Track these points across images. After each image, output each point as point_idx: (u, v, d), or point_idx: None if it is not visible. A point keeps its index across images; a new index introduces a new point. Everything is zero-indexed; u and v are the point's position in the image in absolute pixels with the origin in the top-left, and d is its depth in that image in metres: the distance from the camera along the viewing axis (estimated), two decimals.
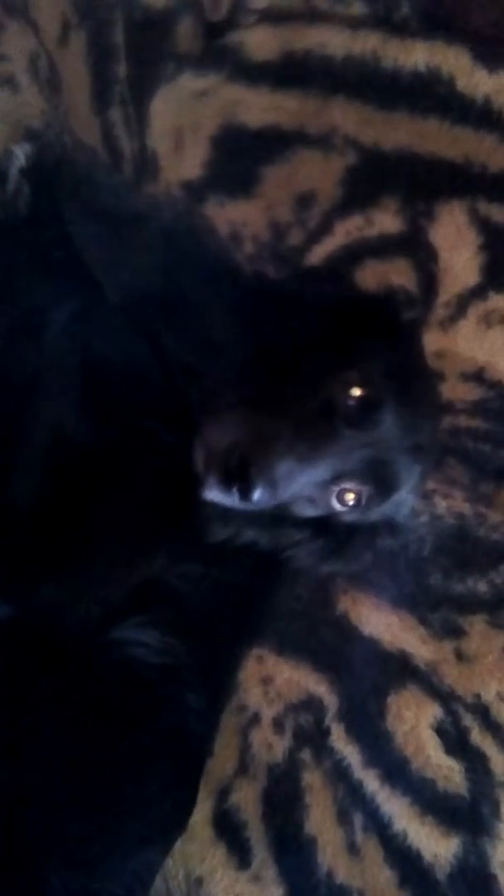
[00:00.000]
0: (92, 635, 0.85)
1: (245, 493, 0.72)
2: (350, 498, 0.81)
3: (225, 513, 0.84)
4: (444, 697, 0.97)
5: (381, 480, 0.81)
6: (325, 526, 0.88)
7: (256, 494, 0.72)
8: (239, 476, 0.72)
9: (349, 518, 0.85)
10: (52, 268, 0.96)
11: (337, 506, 0.81)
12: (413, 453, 0.82)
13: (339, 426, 0.77)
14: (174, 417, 0.83)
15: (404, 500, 0.88)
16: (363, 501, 0.82)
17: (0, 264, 0.96)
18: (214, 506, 0.83)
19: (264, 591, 0.96)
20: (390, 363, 0.83)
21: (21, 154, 0.96)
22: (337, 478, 0.79)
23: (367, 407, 0.78)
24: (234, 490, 0.73)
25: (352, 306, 0.91)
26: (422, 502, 0.97)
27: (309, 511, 0.84)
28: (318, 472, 0.77)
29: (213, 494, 0.76)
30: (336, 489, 0.80)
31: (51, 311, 0.93)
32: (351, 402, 0.78)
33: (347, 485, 0.80)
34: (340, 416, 0.77)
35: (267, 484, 0.72)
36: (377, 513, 0.86)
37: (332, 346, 0.83)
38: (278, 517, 0.87)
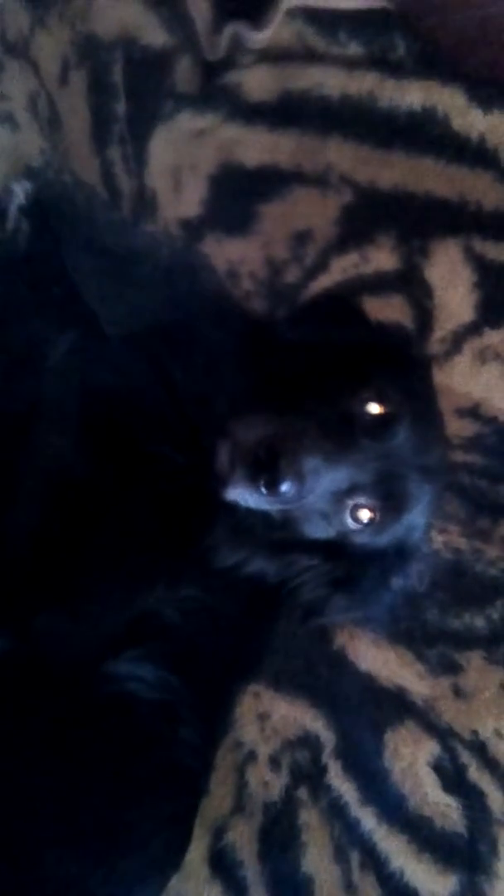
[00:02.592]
0: (88, 668, 0.85)
1: (273, 485, 0.73)
2: (364, 515, 0.81)
3: (234, 537, 0.85)
4: (442, 734, 0.97)
5: (393, 496, 0.82)
6: (335, 553, 0.88)
7: (284, 486, 0.73)
8: (267, 468, 0.73)
9: (361, 540, 0.85)
10: (50, 303, 0.97)
11: (350, 523, 0.82)
12: (424, 472, 0.83)
13: (358, 435, 0.79)
14: (182, 441, 0.84)
15: (416, 524, 0.88)
16: (377, 519, 0.82)
17: (0, 299, 0.97)
18: (223, 530, 0.84)
19: (261, 626, 0.96)
20: (404, 386, 0.85)
21: (21, 192, 0.97)
22: (352, 489, 0.80)
23: (384, 421, 0.80)
24: (262, 483, 0.73)
25: (361, 337, 0.92)
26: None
27: (321, 529, 0.84)
28: (339, 476, 0.78)
29: (238, 492, 0.77)
30: (351, 503, 0.81)
31: (49, 345, 0.93)
32: (369, 416, 0.80)
33: (361, 499, 0.81)
34: (359, 426, 0.79)
35: (295, 477, 0.73)
36: (389, 536, 0.86)
37: (346, 369, 0.85)
38: (287, 544, 0.87)
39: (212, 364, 0.89)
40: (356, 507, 0.81)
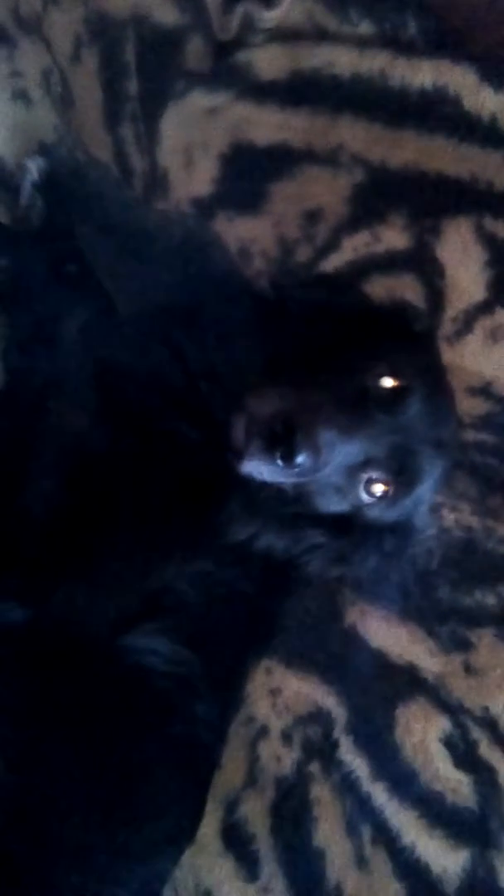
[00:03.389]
0: (104, 641, 0.85)
1: (289, 457, 0.73)
2: (378, 489, 0.82)
3: (248, 512, 0.85)
4: (453, 710, 0.97)
5: (405, 469, 0.82)
6: (344, 528, 0.88)
7: (300, 458, 0.73)
8: (284, 440, 0.74)
9: (373, 514, 0.85)
10: (64, 280, 0.97)
11: (364, 496, 0.82)
12: (436, 446, 0.84)
13: (373, 409, 0.80)
14: (197, 417, 0.85)
15: (423, 499, 0.89)
16: (390, 493, 0.83)
17: (14, 276, 0.98)
18: (237, 505, 0.84)
19: (274, 602, 0.96)
20: (415, 361, 0.86)
21: (34, 168, 0.97)
22: (367, 463, 0.80)
23: (398, 394, 0.81)
24: (278, 455, 0.74)
25: (370, 314, 0.92)
26: (430, 515, 0.98)
27: (335, 503, 0.85)
28: (353, 450, 0.79)
29: (253, 464, 0.77)
30: (365, 477, 0.81)
31: (63, 322, 0.94)
32: (383, 390, 0.81)
33: (375, 473, 0.81)
34: (373, 400, 0.80)
35: (311, 449, 0.74)
36: (399, 510, 0.86)
37: (358, 345, 0.86)
38: (298, 519, 0.87)
39: (225, 340, 0.89)
40: (370, 481, 0.82)
